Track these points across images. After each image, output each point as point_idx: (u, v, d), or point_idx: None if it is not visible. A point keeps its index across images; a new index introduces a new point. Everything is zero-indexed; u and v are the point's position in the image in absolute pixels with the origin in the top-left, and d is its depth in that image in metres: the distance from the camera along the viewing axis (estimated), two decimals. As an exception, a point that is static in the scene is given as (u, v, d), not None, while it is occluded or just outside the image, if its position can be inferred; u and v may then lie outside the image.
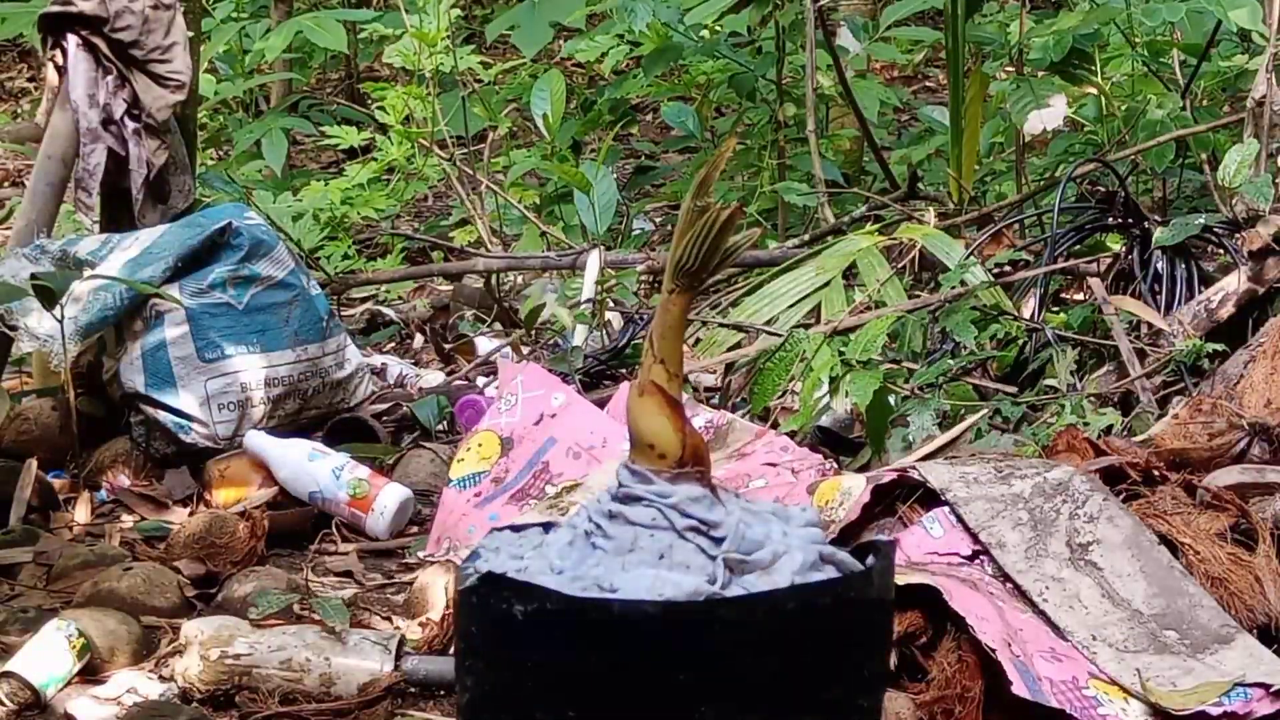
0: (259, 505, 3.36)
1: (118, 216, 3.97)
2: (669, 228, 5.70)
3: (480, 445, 3.35)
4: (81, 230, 3.92)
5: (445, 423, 3.85)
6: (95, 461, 3.65)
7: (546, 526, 1.96)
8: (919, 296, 3.97)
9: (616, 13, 5.55)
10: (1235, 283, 3.58)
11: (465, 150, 5.68)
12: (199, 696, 2.70)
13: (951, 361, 3.54)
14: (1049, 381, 3.50)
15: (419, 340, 4.88)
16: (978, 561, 2.66)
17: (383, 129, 6.01)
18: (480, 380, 4.14)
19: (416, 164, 5.99)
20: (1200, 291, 3.68)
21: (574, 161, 5.67)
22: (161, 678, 2.76)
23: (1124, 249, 3.88)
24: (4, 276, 3.64)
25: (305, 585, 3.09)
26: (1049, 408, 3.38)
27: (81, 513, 3.49)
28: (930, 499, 2.77)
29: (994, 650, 2.40)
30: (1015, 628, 2.50)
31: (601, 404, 3.46)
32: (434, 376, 4.26)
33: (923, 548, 2.67)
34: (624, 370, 4.13)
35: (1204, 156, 4.68)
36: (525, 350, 4.37)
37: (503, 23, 6.12)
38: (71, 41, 3.89)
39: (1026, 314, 3.80)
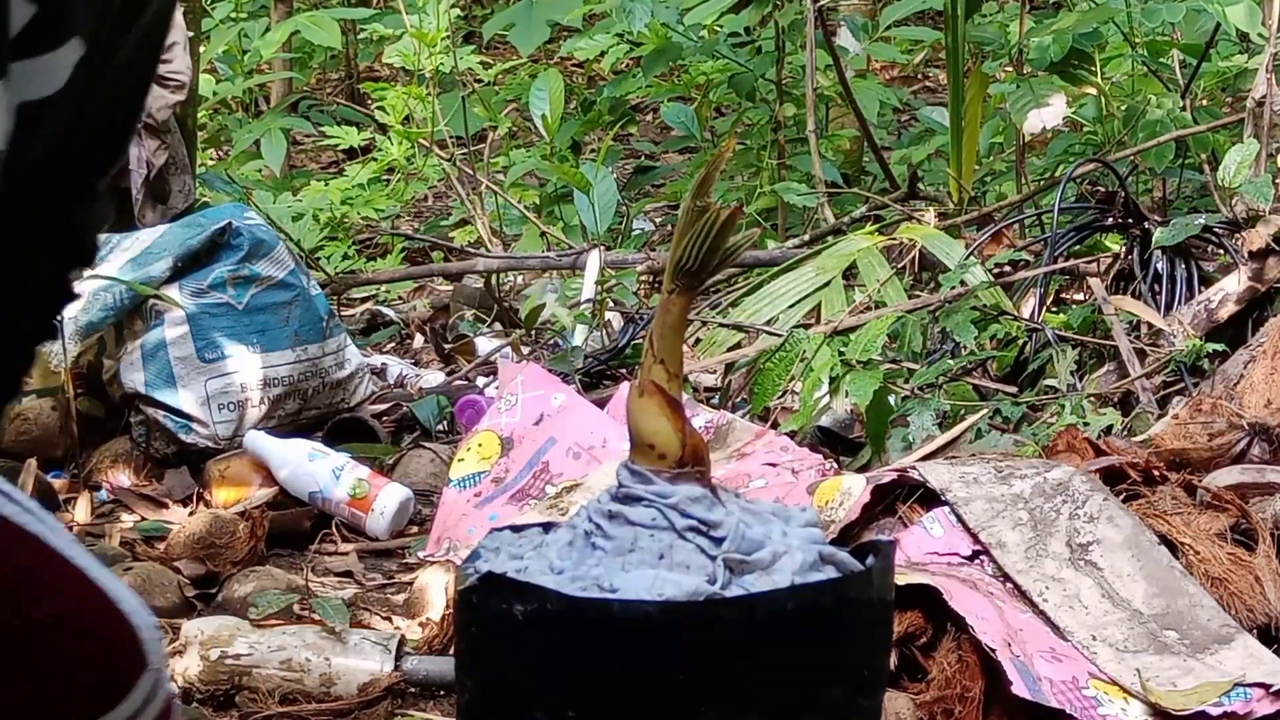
0: (259, 505, 3.36)
1: (118, 216, 3.97)
2: (669, 228, 5.70)
3: (480, 445, 3.35)
4: (81, 230, 3.91)
5: (445, 423, 3.85)
6: (95, 461, 3.65)
7: (546, 526, 1.96)
8: (919, 296, 3.97)
9: (615, 12, 5.55)
10: (1235, 283, 3.58)
11: (465, 150, 5.68)
12: (199, 696, 2.70)
13: (951, 361, 3.53)
14: (1049, 381, 3.49)
15: (419, 340, 4.88)
16: (978, 561, 2.66)
17: (383, 129, 6.01)
18: (480, 380, 4.13)
19: (416, 164, 6.00)
20: (1200, 291, 3.68)
21: (574, 161, 5.67)
22: (161, 678, 2.76)
23: (1124, 249, 3.88)
24: (4, 276, 3.64)
25: (305, 585, 3.09)
26: (1049, 408, 3.38)
27: (81, 513, 3.49)
28: (930, 499, 2.77)
29: (994, 650, 2.40)
30: (1015, 628, 2.50)
31: (601, 404, 3.46)
32: (434, 376, 4.26)
33: (923, 548, 2.67)
34: (624, 370, 4.13)
35: (1204, 156, 4.68)
36: (525, 350, 4.37)
37: (500, 21, 6.12)
38: (71, 41, 3.88)
39: (1026, 314, 3.80)
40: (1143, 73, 5.25)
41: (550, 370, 3.70)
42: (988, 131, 5.28)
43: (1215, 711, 2.41)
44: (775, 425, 3.45)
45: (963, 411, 3.34)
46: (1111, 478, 2.82)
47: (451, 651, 2.66)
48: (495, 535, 1.95)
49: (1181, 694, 2.44)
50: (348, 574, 3.26)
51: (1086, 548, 2.67)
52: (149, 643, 1.40)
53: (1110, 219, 4.00)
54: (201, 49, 5.51)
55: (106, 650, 1.37)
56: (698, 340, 4.10)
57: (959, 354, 3.65)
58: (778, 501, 2.11)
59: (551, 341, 4.41)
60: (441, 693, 2.69)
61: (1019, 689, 2.37)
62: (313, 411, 3.83)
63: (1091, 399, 3.38)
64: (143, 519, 3.48)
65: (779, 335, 3.68)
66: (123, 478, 3.60)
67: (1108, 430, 3.23)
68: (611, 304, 4.46)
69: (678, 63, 5.96)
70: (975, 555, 2.67)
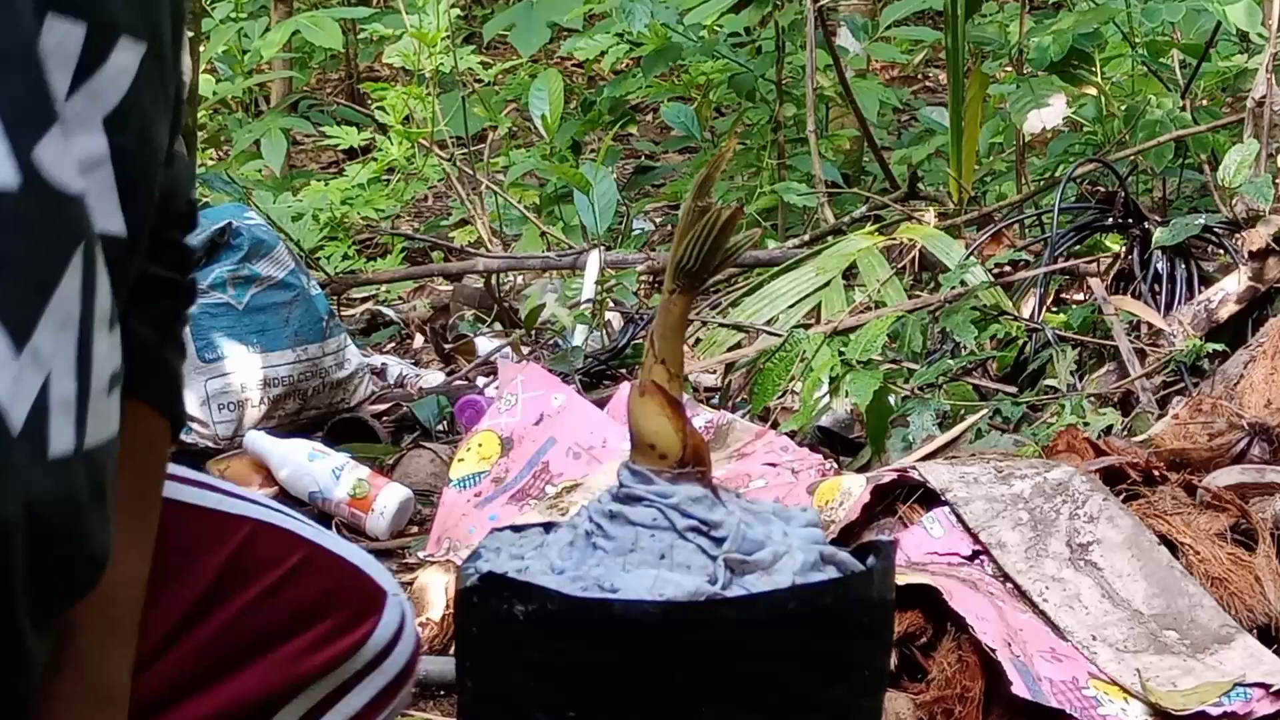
0: (259, 505, 3.36)
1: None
2: (669, 228, 5.70)
3: (480, 445, 3.35)
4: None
5: (445, 423, 3.85)
6: (95, 461, 3.65)
7: (547, 526, 1.96)
8: (919, 296, 3.97)
9: (615, 12, 5.55)
10: (1235, 283, 3.59)
11: (465, 150, 5.68)
12: (199, 696, 2.70)
13: (951, 361, 3.53)
14: (1049, 381, 3.50)
15: (419, 340, 4.88)
16: (978, 561, 2.66)
17: (383, 129, 6.01)
18: (480, 380, 4.13)
19: (416, 164, 5.99)
20: (1200, 291, 3.68)
21: (574, 161, 5.67)
22: (162, 678, 2.75)
23: (1124, 249, 3.88)
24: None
25: (305, 585, 3.08)
26: (1049, 408, 3.38)
27: (81, 513, 3.48)
28: (930, 499, 2.77)
29: (994, 650, 2.40)
30: (1015, 628, 2.50)
31: (601, 404, 3.46)
32: (434, 376, 4.26)
33: (923, 548, 2.67)
34: (624, 370, 4.13)
35: (1204, 156, 4.68)
36: (525, 350, 4.37)
37: (500, 22, 6.12)
38: (71, 41, 3.88)
39: (1026, 314, 3.80)
40: (1143, 73, 5.25)
41: (550, 370, 3.70)
42: (988, 131, 5.28)
43: (1215, 711, 2.41)
44: (775, 425, 3.45)
45: (963, 411, 3.34)
46: (1111, 478, 2.82)
47: (451, 651, 2.66)
48: (495, 535, 1.95)
49: (1181, 694, 2.44)
50: (348, 574, 3.25)
51: (1086, 548, 2.67)
52: (379, 575, 1.57)
53: (1110, 219, 4.00)
54: (201, 49, 5.51)
55: (345, 584, 1.54)
56: (698, 340, 4.10)
57: (959, 354, 3.65)
58: (778, 501, 2.11)
59: (551, 341, 4.41)
60: (441, 693, 2.69)
61: (1019, 689, 2.37)
62: (313, 411, 3.83)
63: (1091, 399, 3.39)
64: (143, 519, 3.47)
65: (779, 335, 3.68)
66: (123, 478, 3.60)
67: (1108, 430, 3.23)
68: (611, 304, 4.46)
69: (678, 63, 5.96)
70: (975, 555, 2.67)
